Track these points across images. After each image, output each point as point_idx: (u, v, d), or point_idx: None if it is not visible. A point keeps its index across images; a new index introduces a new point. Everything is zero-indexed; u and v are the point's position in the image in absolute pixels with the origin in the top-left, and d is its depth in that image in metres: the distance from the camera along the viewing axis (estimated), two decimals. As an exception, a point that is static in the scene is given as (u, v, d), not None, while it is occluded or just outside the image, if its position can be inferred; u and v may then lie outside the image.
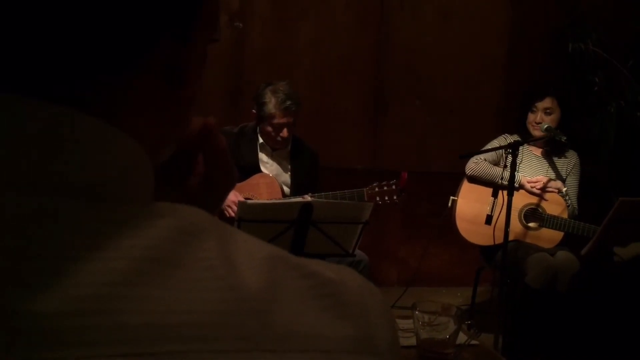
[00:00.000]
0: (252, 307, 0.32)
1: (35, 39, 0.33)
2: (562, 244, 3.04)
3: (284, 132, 2.83)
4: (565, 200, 3.09)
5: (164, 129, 0.41)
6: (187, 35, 0.38)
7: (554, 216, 3.04)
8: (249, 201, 2.34)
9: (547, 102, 3.12)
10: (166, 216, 0.33)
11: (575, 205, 3.14)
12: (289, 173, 2.98)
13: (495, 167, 3.14)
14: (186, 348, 0.29)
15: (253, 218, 2.22)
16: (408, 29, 4.02)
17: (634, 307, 2.93)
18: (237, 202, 2.44)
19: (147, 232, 0.32)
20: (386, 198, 2.79)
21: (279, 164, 2.98)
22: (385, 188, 2.79)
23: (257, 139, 2.94)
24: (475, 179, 3.18)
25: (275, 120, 2.79)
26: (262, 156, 2.95)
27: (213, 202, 0.52)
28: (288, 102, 2.79)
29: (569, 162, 3.22)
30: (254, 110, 2.88)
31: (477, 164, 3.15)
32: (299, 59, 3.88)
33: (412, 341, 1.28)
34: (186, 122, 0.45)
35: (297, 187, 2.93)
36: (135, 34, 0.35)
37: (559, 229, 3.02)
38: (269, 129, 2.83)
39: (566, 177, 3.19)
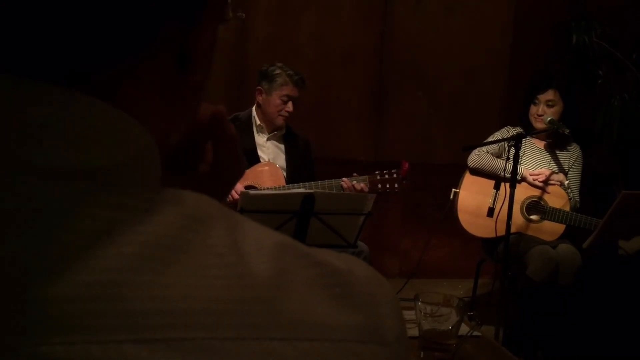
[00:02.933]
0: (260, 295, 0.32)
1: (40, 23, 0.32)
2: (564, 237, 3.04)
3: (290, 106, 2.91)
4: (567, 193, 3.09)
5: (173, 114, 0.41)
6: (195, 18, 0.38)
7: (556, 209, 3.04)
8: (250, 192, 2.35)
9: (549, 95, 3.11)
10: (175, 203, 0.33)
11: (578, 198, 3.13)
12: (285, 156, 3.03)
13: (498, 160, 3.13)
14: (194, 335, 0.29)
15: (255, 209, 2.22)
16: (411, 21, 4.00)
17: (636, 300, 2.93)
18: (239, 189, 2.44)
19: (155, 218, 0.32)
20: (387, 186, 2.83)
21: (276, 149, 3.03)
22: (387, 176, 2.82)
23: (253, 124, 3.00)
24: (477, 171, 3.18)
25: (286, 92, 2.90)
26: (259, 139, 3.00)
27: (222, 190, 0.52)
28: (297, 77, 2.94)
29: (571, 155, 3.21)
30: (259, 87, 2.96)
31: (479, 156, 3.15)
32: (301, 50, 3.87)
33: (415, 332, 1.28)
34: (196, 108, 0.44)
35: (293, 171, 2.98)
36: (141, 17, 0.34)
37: (561, 222, 3.02)
38: (277, 101, 2.91)
39: (569, 169, 3.19)
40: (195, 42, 0.38)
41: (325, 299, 0.33)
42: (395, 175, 2.82)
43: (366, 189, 2.77)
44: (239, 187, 2.70)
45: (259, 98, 2.98)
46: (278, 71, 2.93)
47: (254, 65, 3.77)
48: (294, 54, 3.85)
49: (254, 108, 3.05)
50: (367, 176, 2.83)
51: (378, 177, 2.82)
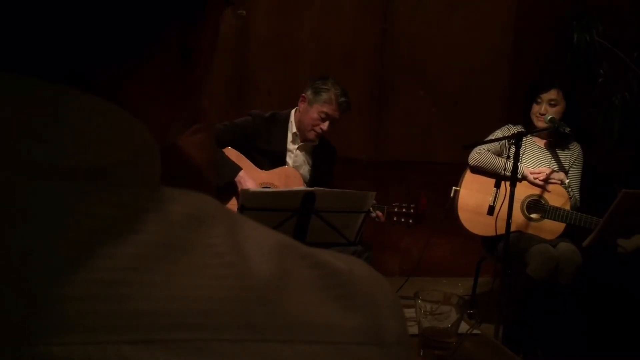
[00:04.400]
0: (260, 296, 0.31)
1: (43, 23, 0.33)
2: (564, 236, 3.04)
3: (325, 125, 2.86)
4: (567, 191, 3.09)
5: (173, 111, 0.41)
6: (196, 17, 0.38)
7: (557, 207, 3.04)
8: (251, 189, 2.35)
9: (552, 94, 3.11)
10: (176, 202, 0.33)
11: (578, 197, 3.13)
12: (309, 167, 3.00)
13: (499, 158, 3.13)
14: (193, 336, 0.29)
15: (256, 206, 2.22)
16: (413, 18, 3.99)
17: (636, 299, 2.93)
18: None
19: (156, 217, 0.32)
20: (402, 220, 2.82)
21: (303, 157, 2.99)
22: (404, 210, 2.82)
23: (289, 128, 2.96)
24: (478, 170, 3.18)
25: (326, 109, 2.83)
26: (290, 145, 2.96)
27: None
28: (343, 99, 2.87)
29: (571, 154, 3.21)
30: (303, 95, 2.91)
31: (480, 155, 3.15)
32: (302, 48, 3.87)
33: (414, 330, 1.28)
34: (196, 104, 0.44)
35: (315, 183, 2.93)
36: (142, 17, 0.34)
37: (561, 221, 3.02)
38: (315, 115, 2.85)
39: (569, 168, 3.19)
40: (196, 41, 0.38)
41: (325, 300, 0.33)
42: (412, 211, 2.82)
43: (383, 219, 2.77)
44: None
45: (301, 105, 2.93)
46: (327, 87, 2.87)
47: (254, 63, 3.77)
48: (294, 52, 3.85)
49: (293, 111, 3.00)
50: (384, 206, 2.81)
51: (395, 210, 2.81)
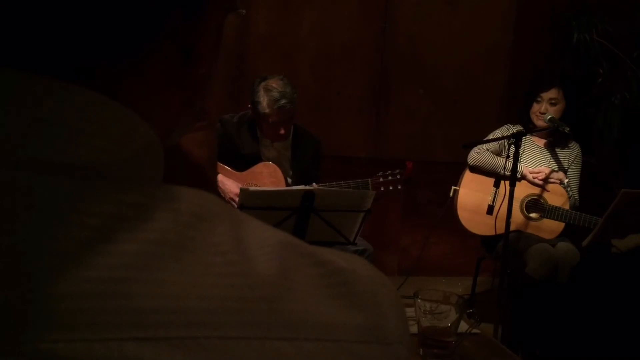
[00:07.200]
0: (263, 294, 0.31)
1: (45, 19, 0.32)
2: (563, 235, 3.05)
3: (281, 130, 2.76)
4: (567, 191, 3.09)
5: (177, 108, 0.41)
6: (198, 11, 0.38)
7: (556, 207, 3.04)
8: (251, 188, 2.34)
9: (552, 93, 3.11)
10: (179, 200, 0.33)
11: (577, 197, 3.14)
12: (290, 162, 2.94)
13: (498, 157, 3.13)
14: (197, 334, 0.29)
15: (255, 205, 2.22)
16: (412, 16, 4.00)
17: (631, 298, 2.93)
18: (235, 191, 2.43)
19: (160, 215, 0.32)
20: (390, 188, 2.77)
21: (280, 153, 2.94)
22: (390, 178, 2.77)
23: (257, 129, 2.90)
24: (477, 169, 3.18)
25: (270, 119, 2.72)
26: (263, 145, 2.90)
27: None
28: (282, 102, 2.68)
29: (571, 153, 3.22)
30: (250, 105, 2.81)
31: (479, 154, 3.15)
32: (302, 46, 3.86)
33: (414, 329, 1.28)
34: (201, 101, 0.44)
35: (299, 176, 2.90)
36: (144, 11, 0.34)
37: (561, 220, 3.03)
38: (266, 126, 2.77)
39: (568, 168, 3.19)
40: (199, 35, 0.38)
41: (328, 298, 0.33)
42: (398, 177, 2.77)
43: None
44: (235, 188, 2.67)
45: (253, 115, 2.83)
46: (260, 97, 2.69)
47: (254, 61, 3.77)
48: (294, 49, 3.84)
49: None
50: (368, 179, 2.76)
51: (381, 180, 2.77)
